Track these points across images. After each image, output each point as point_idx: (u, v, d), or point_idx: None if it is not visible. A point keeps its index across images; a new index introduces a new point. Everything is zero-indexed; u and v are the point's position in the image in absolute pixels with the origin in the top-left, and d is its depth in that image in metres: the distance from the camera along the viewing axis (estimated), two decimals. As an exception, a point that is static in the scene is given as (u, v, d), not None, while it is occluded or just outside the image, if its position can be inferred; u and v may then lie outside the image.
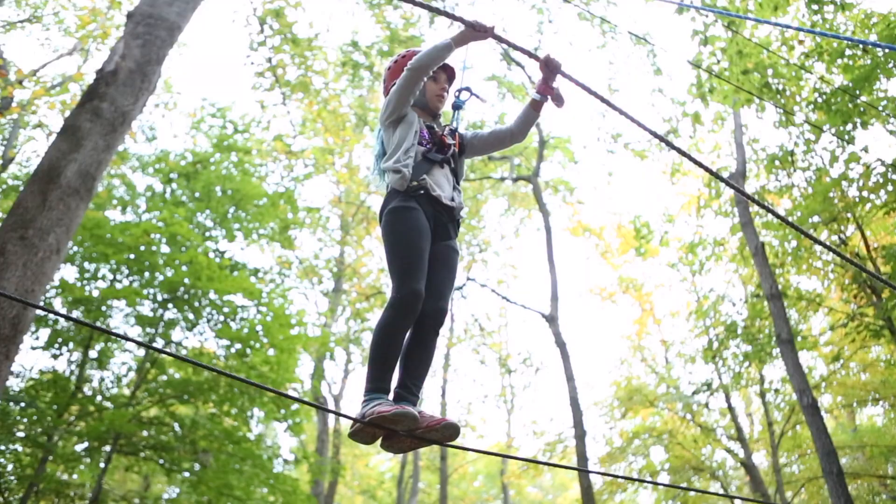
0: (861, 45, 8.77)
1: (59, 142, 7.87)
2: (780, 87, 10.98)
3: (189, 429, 12.22)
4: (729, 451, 17.71)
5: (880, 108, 9.97)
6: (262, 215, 14.91)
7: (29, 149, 16.81)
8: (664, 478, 16.67)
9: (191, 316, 13.73)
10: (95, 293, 12.86)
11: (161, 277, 12.62)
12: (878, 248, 12.22)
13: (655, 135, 3.15)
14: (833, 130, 9.58)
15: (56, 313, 2.13)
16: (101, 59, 13.49)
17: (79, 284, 12.95)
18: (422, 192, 3.04)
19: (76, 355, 13.59)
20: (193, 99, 39.48)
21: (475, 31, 3.01)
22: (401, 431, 2.71)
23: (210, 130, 15.16)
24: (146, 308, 13.76)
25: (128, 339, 2.34)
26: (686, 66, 10.17)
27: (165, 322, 14.10)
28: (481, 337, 21.17)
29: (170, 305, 13.64)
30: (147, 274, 12.92)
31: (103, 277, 13.45)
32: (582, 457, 11.50)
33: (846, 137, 9.53)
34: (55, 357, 13.12)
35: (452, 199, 3.16)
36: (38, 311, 13.47)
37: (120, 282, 13.53)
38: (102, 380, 13.98)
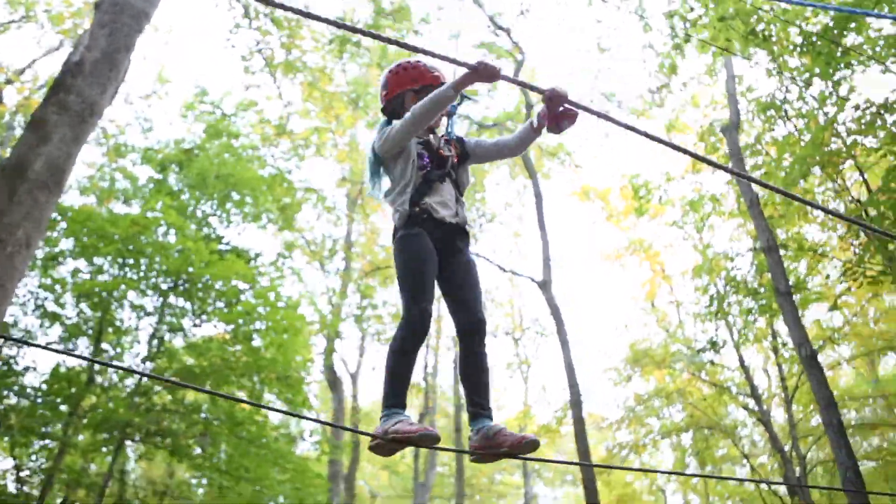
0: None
1: (27, 136, 7.87)
2: (767, 33, 10.68)
3: (190, 413, 12.37)
4: (746, 407, 17.55)
5: (870, 49, 9.67)
6: (257, 198, 14.90)
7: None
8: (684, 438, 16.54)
9: (194, 304, 13.89)
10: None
11: (158, 267, 12.71)
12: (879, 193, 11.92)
13: (636, 131, 3.00)
14: (819, 71, 9.28)
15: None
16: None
17: (89, 278, 13.08)
18: (425, 216, 3.13)
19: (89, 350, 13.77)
20: (185, 85, 39.43)
21: (481, 75, 2.89)
22: (488, 449, 2.90)
23: (200, 117, 15.15)
24: (148, 300, 13.94)
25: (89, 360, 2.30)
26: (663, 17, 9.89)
27: (176, 311, 14.27)
28: (491, 307, 21.11)
29: (171, 295, 13.80)
30: (144, 264, 13.05)
31: (105, 271, 13.59)
32: (579, 421, 11.43)
33: (832, 81, 9.23)
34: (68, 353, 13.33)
35: (456, 215, 3.23)
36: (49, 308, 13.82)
37: (125, 274, 13.69)
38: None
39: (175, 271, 12.63)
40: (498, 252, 21.11)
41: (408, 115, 3.12)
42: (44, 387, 12.62)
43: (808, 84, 10.94)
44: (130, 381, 13.73)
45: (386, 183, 3.33)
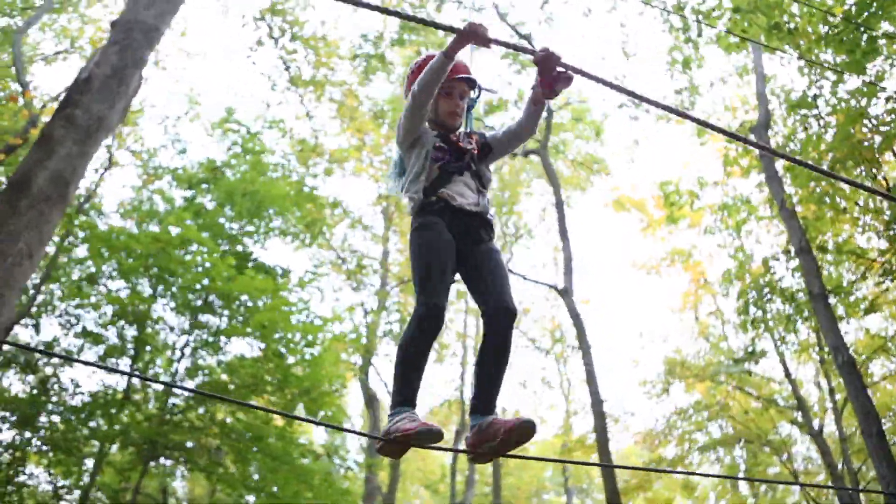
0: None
1: (33, 152, 8.00)
2: (793, 26, 10.25)
3: (220, 430, 12.38)
4: (794, 421, 16.79)
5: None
6: (284, 213, 14.99)
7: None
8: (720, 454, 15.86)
9: (221, 320, 13.99)
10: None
11: (183, 284, 12.82)
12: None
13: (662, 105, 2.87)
14: (843, 63, 8.83)
15: None
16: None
17: (123, 295, 13.28)
18: (442, 204, 3.04)
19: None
20: (214, 106, 40.31)
21: (469, 38, 2.88)
22: (485, 447, 2.78)
23: (227, 134, 15.34)
24: (181, 318, 14.09)
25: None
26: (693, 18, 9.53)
27: (208, 328, 14.38)
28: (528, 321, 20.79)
29: (201, 313, 13.91)
30: (173, 282, 13.20)
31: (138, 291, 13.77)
32: (601, 431, 11.00)
33: (860, 72, 8.77)
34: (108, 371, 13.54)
35: (477, 204, 3.12)
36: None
37: (155, 293, 13.89)
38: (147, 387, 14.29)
39: (201, 288, 12.71)
40: (536, 266, 20.78)
41: (409, 95, 3.10)
42: (83, 403, 12.79)
43: (839, 77, 10.46)
44: (168, 400, 13.87)
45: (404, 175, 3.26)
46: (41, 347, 13.57)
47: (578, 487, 24.10)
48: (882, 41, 8.58)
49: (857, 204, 11.61)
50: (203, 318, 14.07)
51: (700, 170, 19.70)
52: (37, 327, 13.78)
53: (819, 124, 11.23)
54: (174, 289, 13.50)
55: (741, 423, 15.48)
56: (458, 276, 3.14)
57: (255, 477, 13.39)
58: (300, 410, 14.24)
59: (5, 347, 11.53)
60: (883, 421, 19.07)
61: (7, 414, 12.08)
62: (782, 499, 19.91)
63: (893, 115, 9.09)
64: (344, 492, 13.27)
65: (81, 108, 8.34)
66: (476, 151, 3.26)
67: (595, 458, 12.78)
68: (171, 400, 13.49)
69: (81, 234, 13.23)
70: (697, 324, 20.26)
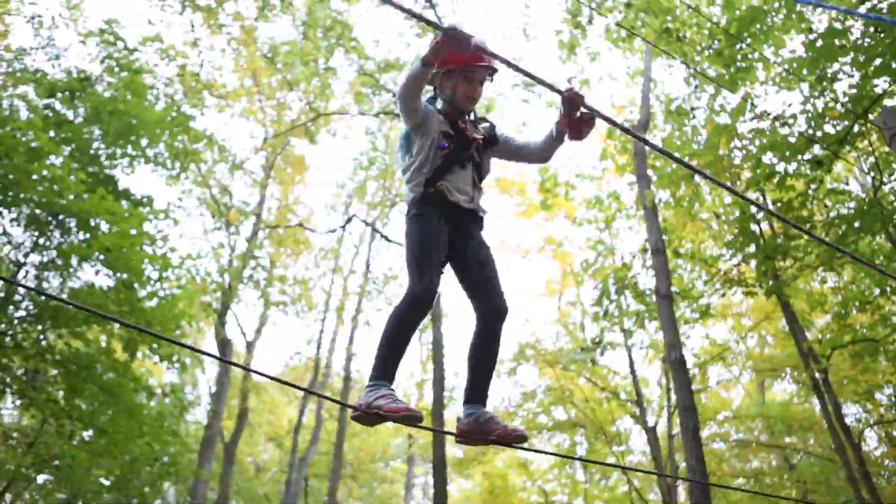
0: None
1: None
2: (681, 34, 10.56)
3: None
4: (634, 415, 17.61)
5: (773, 60, 9.61)
6: (153, 139, 14.19)
7: None
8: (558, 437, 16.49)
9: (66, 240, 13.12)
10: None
11: (27, 196, 11.88)
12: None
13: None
14: (719, 77, 9.17)
15: None
16: None
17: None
18: (439, 197, 3.08)
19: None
20: (97, 13, 37.96)
21: (451, 43, 2.78)
22: (477, 433, 2.95)
23: (104, 44, 14.29)
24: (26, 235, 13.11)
25: None
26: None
27: (59, 249, 13.44)
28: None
29: (49, 230, 13.00)
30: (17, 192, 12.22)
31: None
32: (438, 401, 11.15)
33: (732, 86, 9.12)
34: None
35: (472, 200, 3.17)
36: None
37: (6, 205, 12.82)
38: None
39: (46, 202, 11.83)
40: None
41: (397, 90, 3.11)
42: None
43: (717, 90, 10.89)
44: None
45: (407, 160, 3.25)
46: None
47: (421, 456, 24.49)
48: (759, 64, 8.93)
49: (717, 215, 12.20)
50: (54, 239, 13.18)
51: (580, 163, 20.18)
52: None
53: (691, 133, 11.68)
54: (11, 196, 12.53)
55: (582, 411, 16.10)
56: (447, 267, 3.19)
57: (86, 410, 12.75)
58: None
59: None
60: (710, 423, 20.50)
61: None
62: (615, 486, 20.91)
63: (755, 135, 9.51)
64: (175, 434, 12.79)
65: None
66: (482, 141, 3.26)
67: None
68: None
69: None
70: (558, 311, 20.89)
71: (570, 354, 14.47)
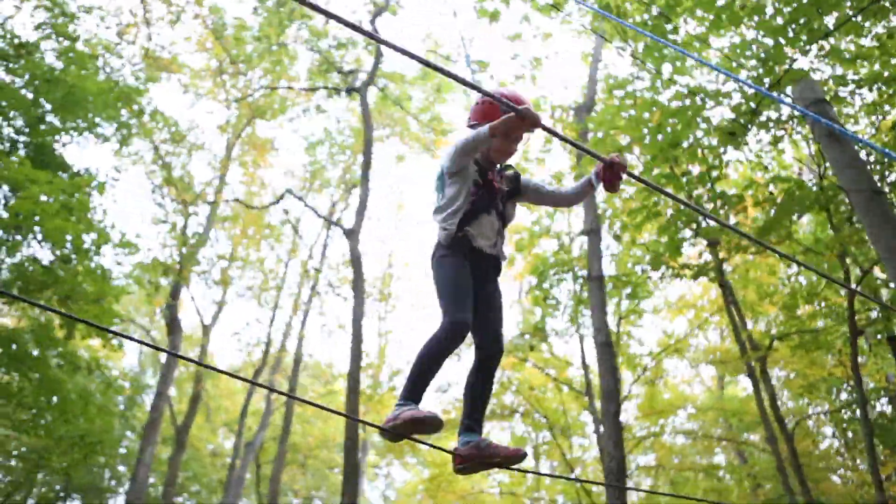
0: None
1: None
2: (622, 10, 10.28)
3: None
4: (585, 405, 17.36)
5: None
6: (95, 110, 13.82)
7: None
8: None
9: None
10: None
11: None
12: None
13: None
14: (646, 49, 8.89)
15: None
16: None
17: None
18: (465, 242, 3.27)
19: None
20: None
21: (524, 123, 2.93)
22: (478, 460, 3.10)
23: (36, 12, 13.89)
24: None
25: None
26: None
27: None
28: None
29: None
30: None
31: None
32: (354, 376, 10.84)
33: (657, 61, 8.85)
34: None
35: (495, 246, 3.37)
36: None
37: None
38: None
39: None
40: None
41: (456, 146, 3.27)
42: None
43: (658, 73, 10.61)
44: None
45: (440, 199, 3.42)
46: None
47: (373, 444, 24.30)
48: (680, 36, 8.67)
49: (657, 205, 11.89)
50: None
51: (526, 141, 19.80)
52: None
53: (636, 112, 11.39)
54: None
55: (527, 399, 15.84)
56: None
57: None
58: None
59: None
60: (673, 418, 20.34)
61: None
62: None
63: (681, 108, 9.21)
64: (102, 410, 12.45)
65: None
66: (507, 191, 3.47)
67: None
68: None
69: None
70: (519, 298, 20.59)
71: (513, 340, 14.18)
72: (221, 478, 22.99)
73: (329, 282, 21.07)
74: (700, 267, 9.75)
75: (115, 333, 3.06)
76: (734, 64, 7.42)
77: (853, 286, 10.80)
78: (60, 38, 14.18)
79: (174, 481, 19.40)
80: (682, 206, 10.04)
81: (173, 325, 19.08)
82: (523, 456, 3.07)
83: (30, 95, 13.72)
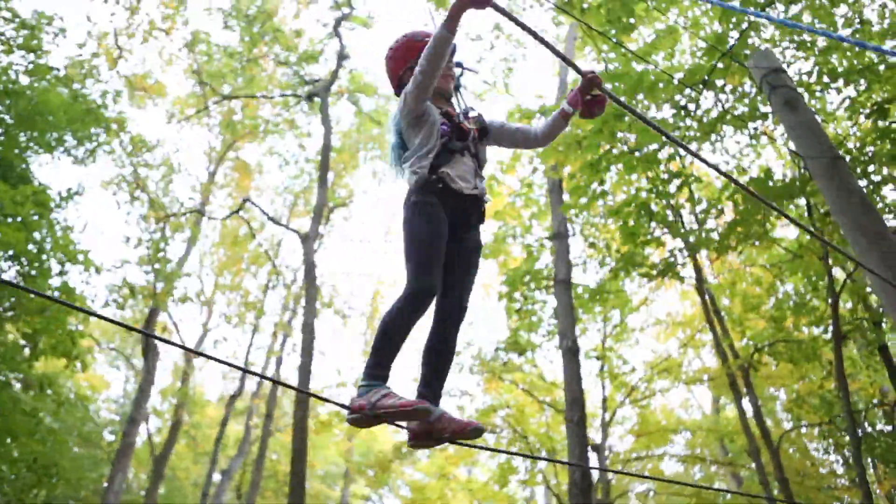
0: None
1: None
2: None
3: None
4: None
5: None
6: (57, 126, 13.55)
7: None
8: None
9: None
10: None
11: None
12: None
13: None
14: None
15: None
16: None
17: None
18: (441, 186, 2.98)
19: None
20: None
21: (469, 3, 2.75)
22: (430, 434, 2.80)
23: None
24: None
25: None
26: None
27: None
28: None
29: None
30: None
31: None
32: (303, 381, 10.29)
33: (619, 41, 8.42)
34: None
35: (475, 188, 3.09)
36: None
37: None
38: None
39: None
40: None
41: (416, 71, 2.96)
42: None
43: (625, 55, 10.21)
44: None
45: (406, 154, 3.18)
46: None
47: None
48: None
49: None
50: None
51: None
52: None
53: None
54: None
55: (509, 416, 15.20)
56: None
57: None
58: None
59: None
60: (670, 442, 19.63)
61: None
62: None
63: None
64: (52, 432, 11.86)
65: None
66: (476, 132, 3.22)
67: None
68: None
69: None
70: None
71: (487, 357, 13.56)
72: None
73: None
74: (666, 264, 9.19)
75: (90, 313, 2.45)
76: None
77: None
78: (23, 52, 13.97)
79: (152, 512, 18.73)
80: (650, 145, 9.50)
81: (148, 349, 18.56)
82: (479, 431, 2.76)
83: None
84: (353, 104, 15.54)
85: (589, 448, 17.27)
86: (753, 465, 11.68)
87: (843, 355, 10.12)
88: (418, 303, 2.80)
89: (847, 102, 8.00)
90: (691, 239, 9.00)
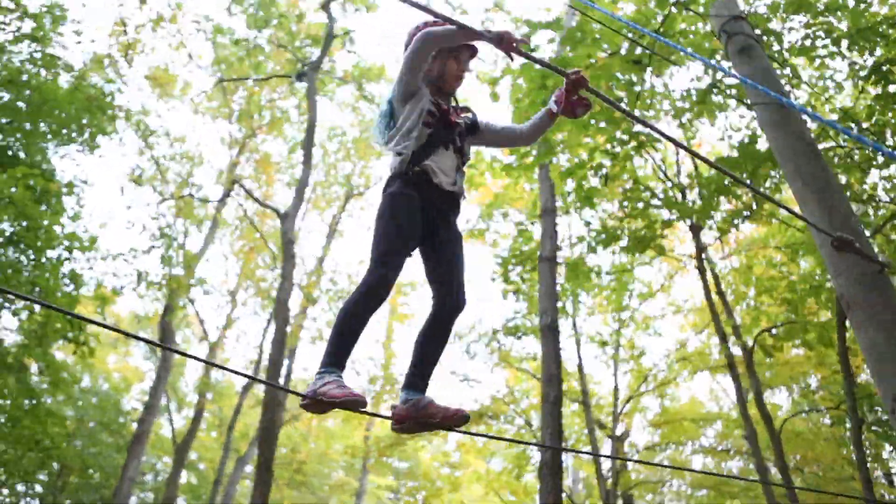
0: None
1: None
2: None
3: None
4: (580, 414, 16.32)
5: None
6: (64, 117, 13.74)
7: None
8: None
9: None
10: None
11: None
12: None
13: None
14: None
15: None
16: None
17: None
18: (422, 178, 2.99)
19: None
20: None
21: (499, 44, 2.83)
22: (416, 420, 2.83)
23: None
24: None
25: None
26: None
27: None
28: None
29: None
30: None
31: None
32: (276, 363, 10.15)
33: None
34: None
35: (454, 184, 3.09)
36: None
37: None
38: None
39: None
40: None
41: (414, 41, 3.01)
42: None
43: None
44: None
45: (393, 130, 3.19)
46: None
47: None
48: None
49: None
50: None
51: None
52: None
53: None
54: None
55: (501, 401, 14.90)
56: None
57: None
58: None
59: None
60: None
61: None
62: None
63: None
64: (52, 414, 12.01)
65: None
66: (464, 127, 3.23)
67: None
68: None
69: None
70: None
71: (481, 339, 13.27)
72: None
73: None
74: (638, 237, 8.76)
75: (82, 318, 2.34)
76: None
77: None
78: (29, 42, 14.16)
79: (173, 500, 18.94)
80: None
81: (166, 341, 18.75)
82: (465, 418, 2.77)
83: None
84: (339, 80, 15.43)
85: (606, 438, 16.99)
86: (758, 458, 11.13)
87: (849, 337, 9.56)
88: (375, 292, 2.80)
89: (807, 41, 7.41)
90: (671, 212, 8.59)
